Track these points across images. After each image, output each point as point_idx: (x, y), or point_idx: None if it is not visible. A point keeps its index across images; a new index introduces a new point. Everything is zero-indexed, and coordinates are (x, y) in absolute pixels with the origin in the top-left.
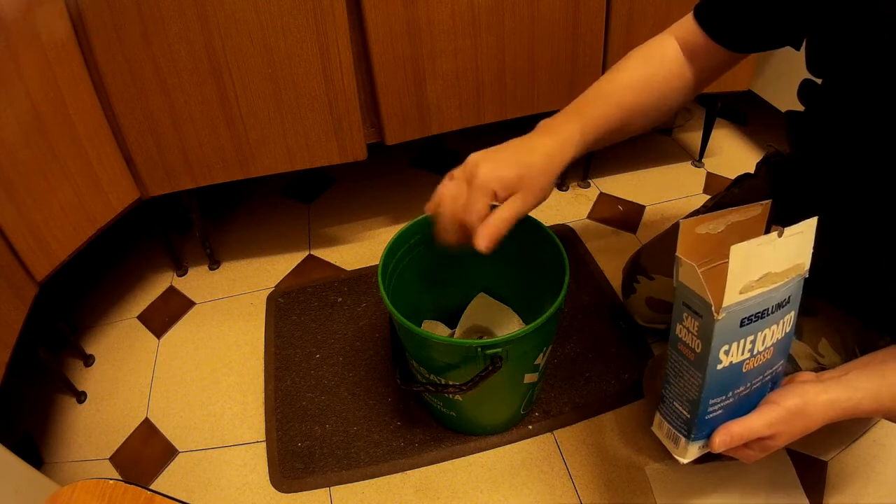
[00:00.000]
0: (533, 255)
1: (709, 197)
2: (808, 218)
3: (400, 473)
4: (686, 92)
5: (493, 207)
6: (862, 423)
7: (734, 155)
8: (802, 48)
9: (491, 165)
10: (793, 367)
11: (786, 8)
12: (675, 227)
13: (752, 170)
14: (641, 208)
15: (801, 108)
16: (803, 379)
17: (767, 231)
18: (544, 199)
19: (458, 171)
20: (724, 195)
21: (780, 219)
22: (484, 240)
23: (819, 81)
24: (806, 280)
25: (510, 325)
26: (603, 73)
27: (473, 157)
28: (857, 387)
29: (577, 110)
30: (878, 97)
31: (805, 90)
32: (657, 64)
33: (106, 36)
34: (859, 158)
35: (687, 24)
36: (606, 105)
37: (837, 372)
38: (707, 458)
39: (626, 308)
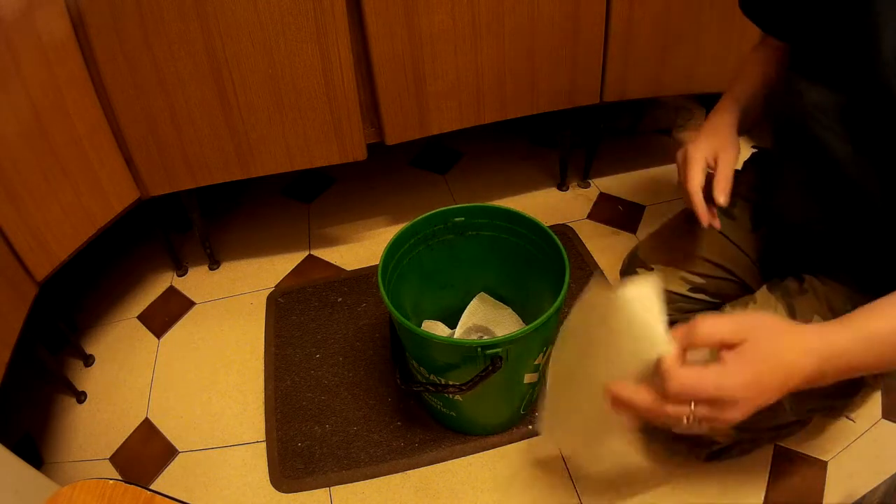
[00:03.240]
0: (533, 255)
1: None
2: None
3: (400, 473)
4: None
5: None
6: (862, 423)
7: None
8: None
9: (691, 145)
10: None
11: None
12: (673, 219)
13: None
14: (641, 208)
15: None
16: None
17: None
18: (738, 149)
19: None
20: None
21: (766, 207)
22: (722, 194)
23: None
24: (797, 256)
25: (510, 325)
26: (603, 73)
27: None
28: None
29: (729, 91)
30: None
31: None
32: (763, 50)
33: (106, 36)
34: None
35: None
36: (746, 78)
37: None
38: (714, 457)
39: None
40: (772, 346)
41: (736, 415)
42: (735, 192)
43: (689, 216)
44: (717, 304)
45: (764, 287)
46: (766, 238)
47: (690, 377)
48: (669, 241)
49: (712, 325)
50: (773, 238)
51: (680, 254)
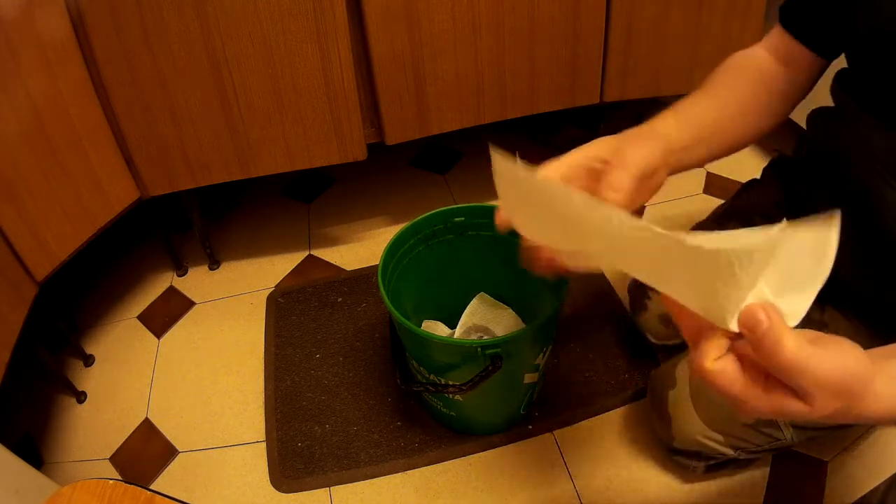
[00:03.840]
0: None
1: (710, 196)
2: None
3: (400, 473)
4: (787, 91)
5: None
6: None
7: (734, 155)
8: None
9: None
10: None
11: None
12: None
13: (754, 172)
14: (641, 208)
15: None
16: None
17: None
18: (653, 158)
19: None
20: (733, 201)
21: (794, 219)
22: (610, 189)
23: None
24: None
25: (510, 325)
26: (603, 73)
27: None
28: None
29: (672, 106)
30: None
31: (840, 80)
32: (741, 56)
33: (106, 36)
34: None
35: (777, 34)
36: (697, 93)
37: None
38: (719, 467)
39: (637, 326)
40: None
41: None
42: (756, 205)
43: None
44: None
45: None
46: None
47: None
48: None
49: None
50: None
51: None
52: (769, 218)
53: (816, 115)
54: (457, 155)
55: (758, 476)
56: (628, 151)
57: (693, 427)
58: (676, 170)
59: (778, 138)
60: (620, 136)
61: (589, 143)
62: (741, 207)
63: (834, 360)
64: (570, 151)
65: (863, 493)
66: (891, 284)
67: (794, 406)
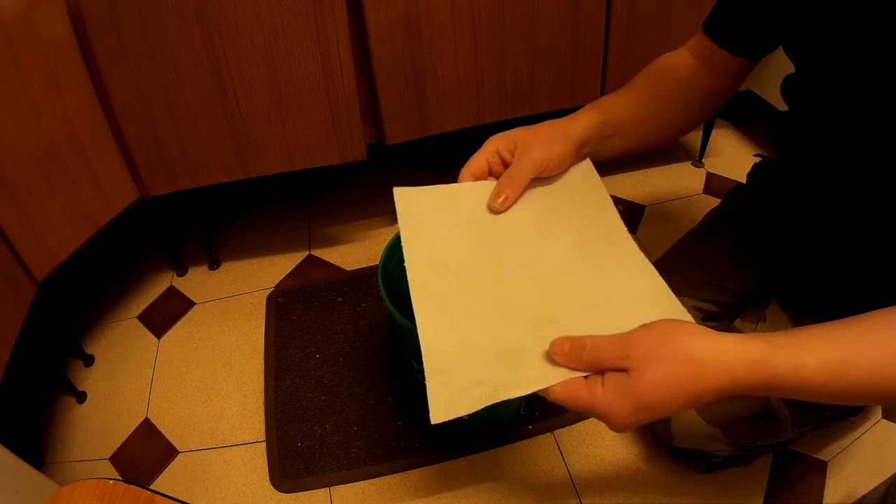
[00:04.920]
0: None
1: (710, 196)
2: (802, 222)
3: (400, 473)
4: (706, 93)
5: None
6: (862, 423)
7: (734, 155)
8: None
9: (528, 143)
10: None
11: (780, 10)
12: (678, 243)
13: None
14: (641, 208)
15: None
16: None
17: None
18: (553, 156)
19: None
20: (722, 208)
21: (766, 225)
22: (497, 198)
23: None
24: (762, 284)
25: None
26: (603, 73)
27: (510, 133)
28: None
29: (592, 104)
30: (855, 81)
31: (787, 85)
32: (666, 59)
33: (106, 36)
34: (841, 151)
35: (699, 39)
36: (620, 93)
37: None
38: (717, 466)
39: None
40: (658, 374)
41: (622, 425)
42: (742, 211)
43: (695, 240)
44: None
45: (773, 302)
46: (773, 261)
47: (565, 391)
48: (677, 269)
49: (596, 348)
50: (777, 264)
51: (690, 281)
52: (757, 220)
53: (776, 123)
54: (457, 155)
55: (758, 476)
56: (531, 150)
57: (692, 422)
58: (594, 158)
59: (762, 143)
60: (529, 130)
61: (491, 139)
62: (731, 213)
63: (595, 398)
64: (473, 157)
65: (863, 493)
66: (842, 270)
67: (622, 378)
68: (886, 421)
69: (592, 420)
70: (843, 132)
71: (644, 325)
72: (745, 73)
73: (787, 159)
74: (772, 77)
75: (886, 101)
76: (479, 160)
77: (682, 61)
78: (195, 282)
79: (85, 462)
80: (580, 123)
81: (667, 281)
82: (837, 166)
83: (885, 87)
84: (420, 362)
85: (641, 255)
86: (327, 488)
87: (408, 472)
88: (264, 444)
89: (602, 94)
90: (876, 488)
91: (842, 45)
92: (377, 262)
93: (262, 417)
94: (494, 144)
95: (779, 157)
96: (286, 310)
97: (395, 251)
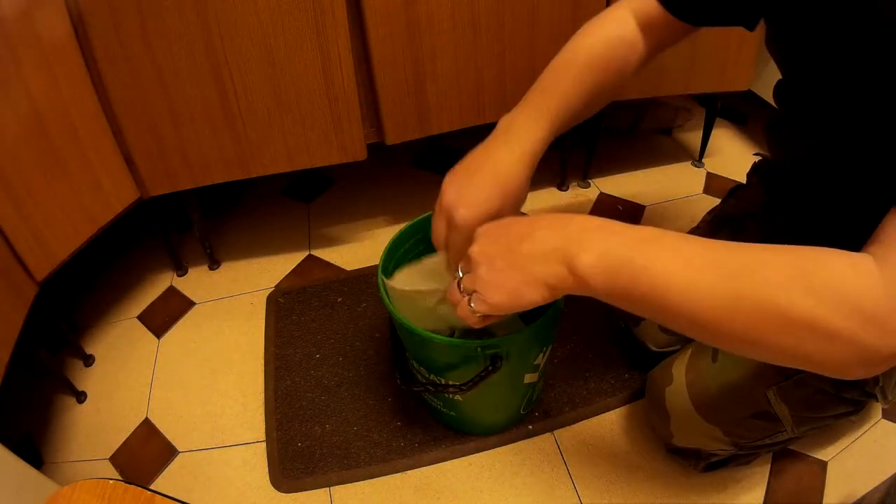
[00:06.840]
0: None
1: (710, 196)
2: (801, 221)
3: (400, 473)
4: (639, 65)
5: None
6: (862, 423)
7: (734, 155)
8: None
9: (467, 206)
10: None
11: None
12: None
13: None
14: (641, 208)
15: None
16: None
17: None
18: (494, 201)
19: (437, 206)
20: (722, 207)
21: (777, 224)
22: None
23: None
24: None
25: (510, 325)
26: None
27: (448, 197)
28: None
29: (539, 104)
30: (835, 81)
31: (778, 89)
32: (617, 40)
33: (106, 36)
34: (830, 153)
35: (648, 2)
36: (568, 89)
37: None
38: (716, 466)
39: (636, 334)
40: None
41: (488, 287)
42: (742, 210)
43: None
44: None
45: None
46: None
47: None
48: None
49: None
50: None
51: None
52: (757, 219)
53: (770, 126)
54: (457, 155)
55: (758, 476)
56: (456, 218)
57: (691, 421)
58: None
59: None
60: (466, 180)
61: (443, 190)
62: (731, 213)
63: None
64: (436, 205)
65: (863, 493)
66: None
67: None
68: (886, 421)
69: (592, 420)
70: (829, 135)
71: None
72: (682, 38)
73: (780, 161)
74: (772, 77)
75: (868, 105)
76: (438, 226)
77: (626, 33)
78: (195, 282)
79: (85, 462)
80: (529, 154)
81: None
82: (828, 168)
83: (865, 91)
84: (419, 362)
85: None
86: (327, 488)
87: (408, 472)
88: (264, 444)
89: None
90: (876, 488)
91: (814, 43)
92: (377, 262)
93: (262, 417)
94: (439, 207)
95: (773, 158)
96: (286, 310)
97: (395, 251)
